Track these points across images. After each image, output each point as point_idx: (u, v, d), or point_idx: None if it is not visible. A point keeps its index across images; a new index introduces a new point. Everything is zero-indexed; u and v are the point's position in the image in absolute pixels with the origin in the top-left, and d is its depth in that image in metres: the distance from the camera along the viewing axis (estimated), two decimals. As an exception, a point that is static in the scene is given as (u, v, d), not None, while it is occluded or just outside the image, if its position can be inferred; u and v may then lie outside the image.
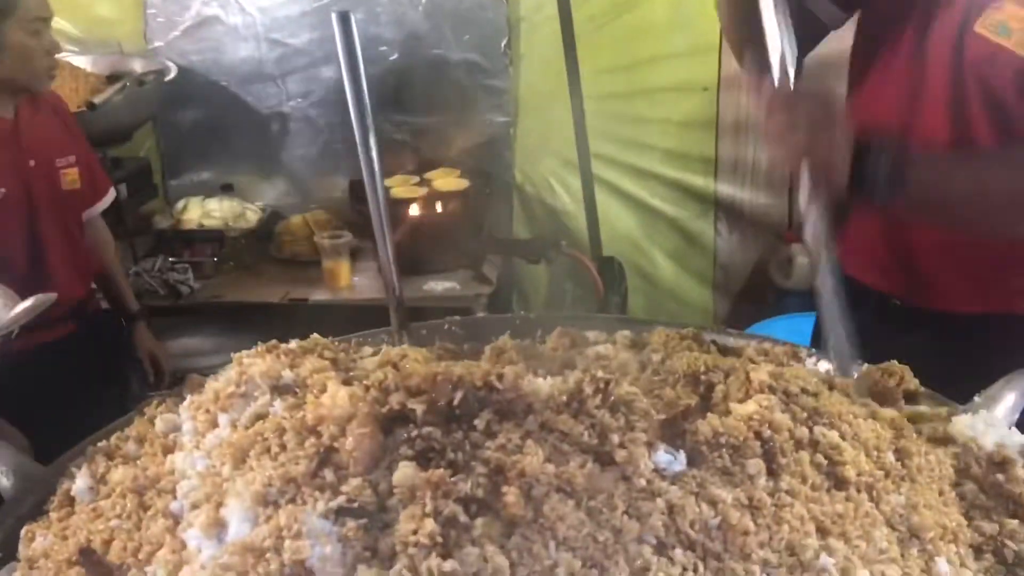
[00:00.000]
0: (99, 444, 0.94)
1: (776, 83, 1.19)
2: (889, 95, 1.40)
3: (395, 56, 3.03)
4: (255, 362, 0.91)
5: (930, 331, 1.36)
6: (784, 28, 1.19)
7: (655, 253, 3.18)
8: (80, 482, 0.88)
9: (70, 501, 0.88)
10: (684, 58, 2.94)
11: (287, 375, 0.89)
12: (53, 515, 0.87)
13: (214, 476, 0.79)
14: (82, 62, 3.00)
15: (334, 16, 1.37)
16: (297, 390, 0.87)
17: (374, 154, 1.53)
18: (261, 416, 0.84)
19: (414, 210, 2.85)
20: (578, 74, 2.74)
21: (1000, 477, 0.83)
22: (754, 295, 3.16)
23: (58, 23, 3.07)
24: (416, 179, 2.98)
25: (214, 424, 0.87)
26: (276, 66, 3.10)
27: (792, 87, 1.20)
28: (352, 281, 2.85)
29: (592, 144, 2.88)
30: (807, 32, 1.44)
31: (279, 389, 0.87)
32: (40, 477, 0.95)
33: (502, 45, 2.96)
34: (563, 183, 3.12)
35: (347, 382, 0.86)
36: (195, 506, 0.77)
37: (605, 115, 3.01)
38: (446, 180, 2.94)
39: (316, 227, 3.00)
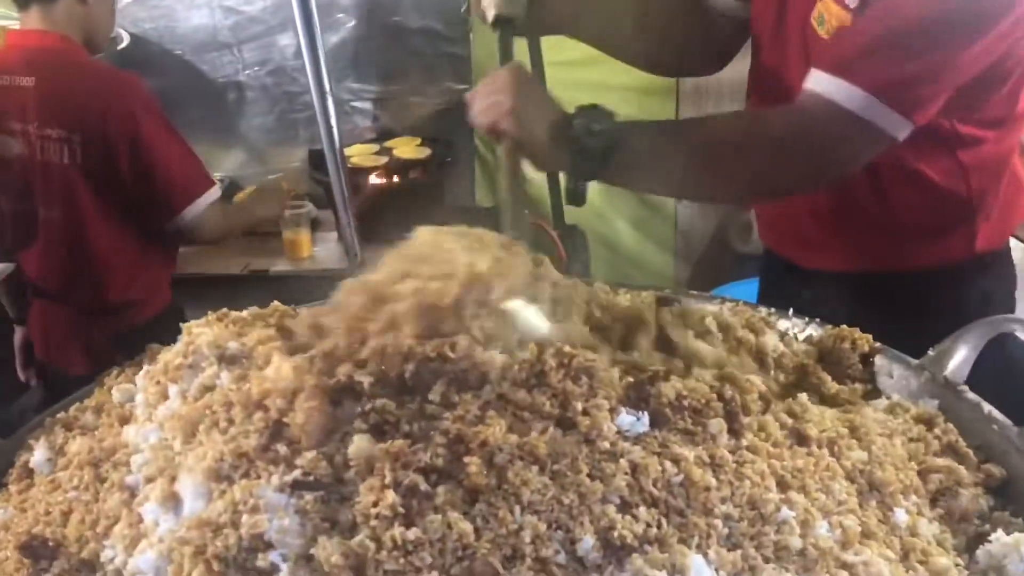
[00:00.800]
0: (58, 415, 0.93)
1: None
2: (762, 89, 1.42)
3: (352, 23, 2.98)
4: (204, 332, 0.89)
5: (829, 292, 1.38)
6: None
7: (617, 221, 3.18)
8: (39, 454, 0.86)
9: (29, 473, 0.86)
10: (644, 24, 2.93)
11: (233, 345, 0.87)
12: (12, 488, 0.85)
13: (166, 450, 0.78)
14: None
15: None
16: (244, 360, 0.85)
17: (333, 122, 1.52)
18: (209, 388, 0.82)
19: (374, 179, 2.82)
20: (539, 41, 2.71)
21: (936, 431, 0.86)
22: (714, 261, 3.18)
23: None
24: (376, 148, 2.95)
25: (165, 396, 0.85)
26: (231, 34, 3.04)
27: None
28: (313, 251, 2.82)
29: (553, 111, 2.86)
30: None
31: (226, 359, 0.85)
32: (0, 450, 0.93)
33: (461, 11, 2.92)
34: (525, 151, 3.10)
35: (292, 351, 0.83)
36: (149, 480, 0.76)
37: (565, 83, 2.94)
38: (406, 148, 2.92)
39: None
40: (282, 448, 0.72)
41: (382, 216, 2.87)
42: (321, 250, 2.84)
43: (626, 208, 3.17)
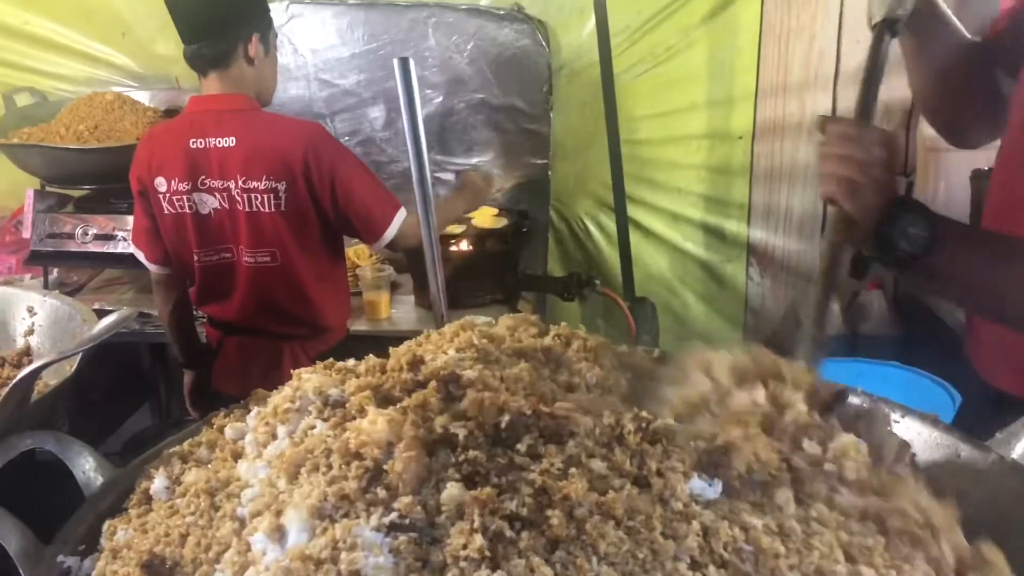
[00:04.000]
0: (174, 449, 1.02)
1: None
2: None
3: (440, 99, 3.14)
4: (311, 378, 0.98)
5: None
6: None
7: (687, 295, 3.23)
8: (158, 482, 0.95)
9: (148, 499, 0.95)
10: (720, 107, 3.02)
11: (334, 392, 0.95)
12: (132, 512, 0.94)
13: (272, 486, 0.86)
14: (141, 97, 3.15)
15: (395, 61, 1.47)
16: (344, 405, 0.93)
17: (429, 190, 1.62)
18: (311, 431, 0.91)
19: (455, 246, 2.94)
20: (616, 119, 2.83)
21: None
22: (784, 339, 3.18)
23: (119, 59, 3.26)
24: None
25: (273, 435, 0.94)
26: (325, 105, 3.22)
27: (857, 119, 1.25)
28: (391, 313, 2.94)
29: (627, 187, 2.96)
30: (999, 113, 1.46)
31: (327, 405, 0.93)
32: (116, 478, 1.03)
33: (543, 90, 3.05)
34: (598, 224, 3.19)
35: (384, 401, 0.91)
36: (257, 512, 0.84)
37: (640, 160, 3.09)
38: (485, 218, 3.03)
39: (359, 260, 3.10)
40: (380, 492, 0.79)
41: (460, 282, 2.99)
42: (398, 312, 2.96)
43: (696, 282, 3.22)
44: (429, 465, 0.80)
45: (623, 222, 2.95)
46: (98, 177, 2.94)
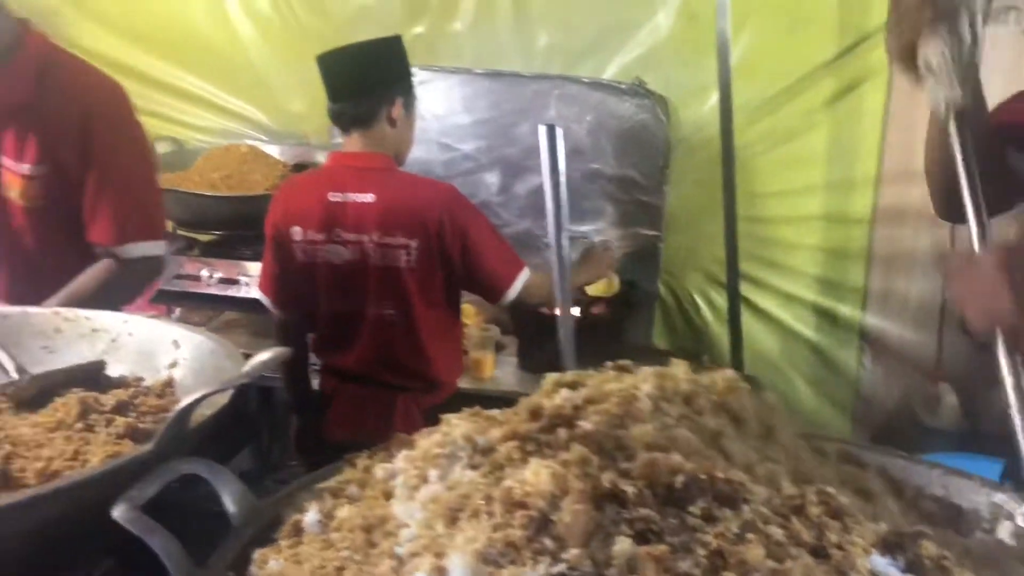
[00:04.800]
0: (324, 484, 1.04)
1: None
2: None
3: (556, 166, 3.20)
4: (459, 424, 1.00)
5: None
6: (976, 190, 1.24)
7: (795, 378, 3.16)
8: (310, 516, 0.97)
9: (298, 532, 0.97)
10: (840, 189, 3.00)
11: (482, 440, 0.96)
12: (283, 543, 0.96)
13: (430, 528, 0.86)
14: (272, 150, 3.31)
15: (542, 128, 1.52)
16: (493, 453, 0.94)
17: (566, 252, 1.65)
18: (463, 477, 0.92)
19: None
20: (735, 196, 2.83)
21: None
22: (896, 430, 3.08)
23: (254, 114, 3.43)
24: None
25: (423, 479, 0.95)
26: (444, 168, 3.31)
27: (984, 249, 1.23)
28: (495, 373, 2.96)
29: (740, 264, 2.94)
30: (1008, 189, 1.48)
31: (477, 451, 0.94)
32: (259, 509, 1.05)
33: (659, 163, 3.08)
34: (707, 299, 3.17)
35: (535, 451, 0.91)
36: (415, 553, 0.84)
37: (754, 237, 3.07)
38: (594, 285, 3.04)
39: (466, 319, 3.13)
40: (548, 542, 0.78)
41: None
42: (500, 372, 2.98)
43: (805, 365, 3.15)
44: (598, 519, 0.80)
45: (735, 299, 2.92)
46: (227, 224, 3.09)
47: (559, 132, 1.47)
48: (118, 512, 0.96)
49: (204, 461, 1.10)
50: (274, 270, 2.43)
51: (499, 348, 3.04)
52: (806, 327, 3.12)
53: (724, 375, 0.99)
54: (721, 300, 3.06)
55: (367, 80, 2.28)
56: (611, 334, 3.00)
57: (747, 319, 3.04)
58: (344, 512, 0.96)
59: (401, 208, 2.23)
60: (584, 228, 3.23)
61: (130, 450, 1.31)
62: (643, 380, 0.96)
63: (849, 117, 2.93)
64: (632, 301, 3.09)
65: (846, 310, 3.08)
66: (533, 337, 3.03)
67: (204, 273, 3.00)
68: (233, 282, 3.00)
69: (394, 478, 1.01)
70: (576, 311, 2.97)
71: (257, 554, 0.95)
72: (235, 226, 3.07)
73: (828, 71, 2.91)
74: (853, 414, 3.16)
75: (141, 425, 1.39)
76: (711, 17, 2.84)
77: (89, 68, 1.99)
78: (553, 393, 0.97)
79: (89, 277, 2.00)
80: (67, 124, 1.91)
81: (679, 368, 0.99)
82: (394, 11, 3.20)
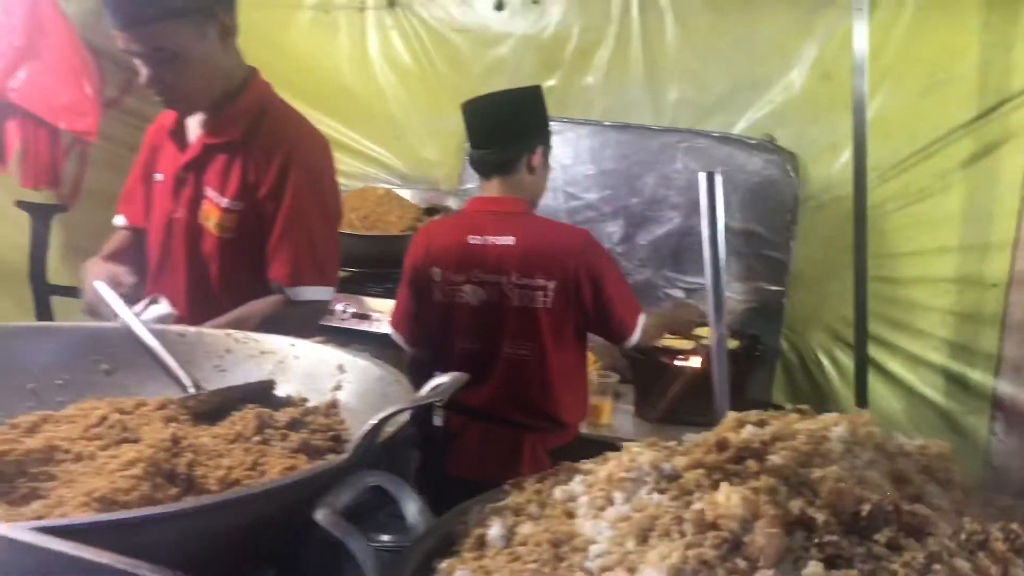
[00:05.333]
0: (504, 503, 1.10)
1: None
2: None
3: (679, 219, 3.24)
4: (642, 452, 1.04)
5: None
6: None
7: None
8: (495, 530, 1.03)
9: (481, 545, 1.03)
10: (974, 252, 2.94)
11: (667, 466, 1.01)
12: (467, 555, 1.02)
13: (620, 545, 0.91)
14: (404, 194, 3.46)
15: (701, 175, 1.57)
16: (679, 480, 0.98)
17: (723, 298, 1.69)
18: (649, 499, 0.96)
19: (680, 362, 2.96)
20: (866, 255, 2.81)
21: None
22: (1030, 505, 2.95)
23: (390, 159, 3.61)
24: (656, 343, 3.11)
25: (609, 500, 1.00)
26: (567, 216, 3.40)
27: None
28: (612, 420, 2.99)
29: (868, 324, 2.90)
30: None
31: (664, 478, 0.99)
32: (435, 525, 1.12)
33: (786, 219, 3.09)
34: (831, 358, 3.13)
35: (723, 481, 0.95)
36: (607, 568, 0.89)
37: (883, 298, 3.03)
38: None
39: (586, 365, 3.18)
40: (740, 562, 0.82)
41: (684, 398, 3.00)
42: (616, 420, 3.00)
43: (932, 431, 3.06)
44: (788, 543, 0.83)
45: (862, 359, 2.88)
46: (363, 261, 3.23)
47: (718, 178, 1.52)
48: (320, 515, 1.04)
49: (388, 475, 1.18)
50: (410, 308, 2.54)
51: (615, 396, 3.06)
52: (934, 391, 3.04)
53: (938, 445, 1.02)
54: (845, 359, 3.02)
55: (510, 128, 2.40)
56: (733, 388, 2.99)
57: (873, 380, 2.99)
58: (527, 528, 1.02)
59: (540, 251, 2.31)
60: (704, 279, 3.24)
61: (305, 463, 1.39)
62: (834, 423, 0.99)
63: (986, 179, 2.88)
64: (753, 355, 3.08)
65: (977, 376, 3.00)
66: (651, 386, 3.05)
67: (339, 308, 3.15)
68: (365, 317, 3.13)
69: (574, 499, 1.06)
70: (696, 363, 2.99)
71: (445, 563, 1.02)
72: (370, 264, 3.22)
73: (966, 132, 2.88)
74: (983, 484, 3.03)
75: (313, 441, 1.48)
76: (844, 76, 2.86)
77: (300, 119, 2.14)
78: (738, 428, 1.01)
79: (259, 306, 2.10)
80: (268, 166, 2.04)
81: (867, 416, 1.02)
82: (528, 64, 3.34)
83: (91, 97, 3.05)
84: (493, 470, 2.48)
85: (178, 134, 2.20)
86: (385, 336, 2.68)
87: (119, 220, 2.31)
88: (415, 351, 2.59)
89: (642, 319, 2.43)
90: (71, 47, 3.01)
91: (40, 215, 3.92)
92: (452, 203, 3.39)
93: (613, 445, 1.15)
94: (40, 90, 2.97)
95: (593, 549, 0.93)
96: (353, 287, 3.27)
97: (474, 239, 2.37)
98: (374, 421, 1.22)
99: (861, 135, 2.78)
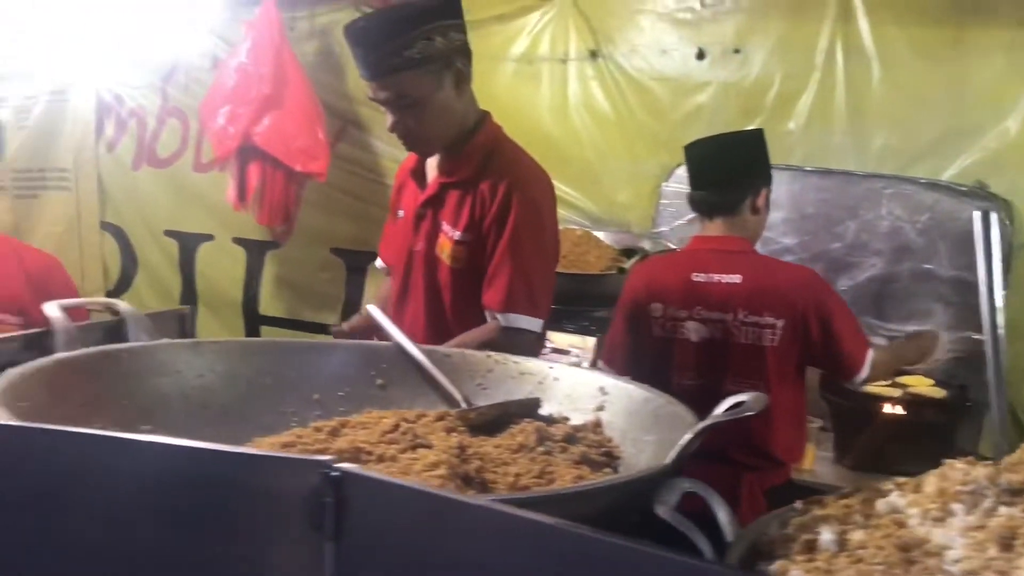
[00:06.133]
0: (829, 511, 1.16)
1: None
2: None
3: (881, 264, 3.21)
4: (975, 468, 1.10)
5: None
6: None
7: None
8: (827, 536, 1.09)
9: (811, 549, 1.09)
10: None
11: (1003, 482, 1.06)
12: (797, 557, 1.08)
13: (981, 551, 0.96)
14: (599, 236, 3.58)
15: (976, 214, 1.60)
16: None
17: (1000, 335, 1.70)
18: (997, 511, 1.02)
19: (888, 409, 2.92)
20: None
21: None
22: None
23: (583, 202, 3.73)
24: (887, 381, 3.06)
25: (945, 511, 1.05)
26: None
27: None
28: (813, 465, 2.96)
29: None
30: None
31: (1005, 492, 1.04)
32: (742, 532, 1.18)
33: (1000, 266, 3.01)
34: (1047, 412, 3.00)
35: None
36: (972, 572, 0.94)
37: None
38: (923, 386, 2.99)
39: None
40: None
41: (890, 445, 2.94)
42: (817, 466, 2.97)
43: None
44: None
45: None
46: (559, 299, 3.34)
47: (994, 217, 1.54)
48: (663, 511, 1.14)
49: (700, 482, 1.26)
50: (626, 342, 2.62)
51: (819, 442, 3.04)
52: None
53: None
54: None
55: (734, 172, 2.47)
56: (940, 439, 2.92)
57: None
58: (859, 535, 1.07)
59: (768, 289, 2.36)
60: (910, 327, 3.19)
61: (590, 474, 1.48)
62: None
63: None
64: (962, 406, 2.99)
65: None
66: (853, 432, 3.02)
67: (540, 343, 3.27)
68: (564, 352, 3.24)
69: (898, 511, 1.11)
70: (900, 410, 2.94)
71: (775, 565, 1.08)
72: (567, 301, 3.32)
73: None
74: None
75: (591, 455, 1.58)
76: (1066, 123, 2.80)
77: (526, 158, 2.31)
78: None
79: (475, 334, 2.24)
80: (493, 198, 2.21)
81: None
82: (728, 111, 3.41)
83: (323, 142, 3.33)
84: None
85: (418, 174, 2.40)
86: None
87: (379, 263, 2.53)
88: None
89: (871, 355, 2.42)
90: (308, 96, 3.31)
91: (255, 251, 4.27)
92: (647, 245, 3.47)
93: (817, 490, 1.18)
94: (280, 135, 3.27)
95: (949, 555, 0.98)
96: (549, 324, 3.39)
97: (698, 276, 2.44)
98: (689, 435, 1.31)
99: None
